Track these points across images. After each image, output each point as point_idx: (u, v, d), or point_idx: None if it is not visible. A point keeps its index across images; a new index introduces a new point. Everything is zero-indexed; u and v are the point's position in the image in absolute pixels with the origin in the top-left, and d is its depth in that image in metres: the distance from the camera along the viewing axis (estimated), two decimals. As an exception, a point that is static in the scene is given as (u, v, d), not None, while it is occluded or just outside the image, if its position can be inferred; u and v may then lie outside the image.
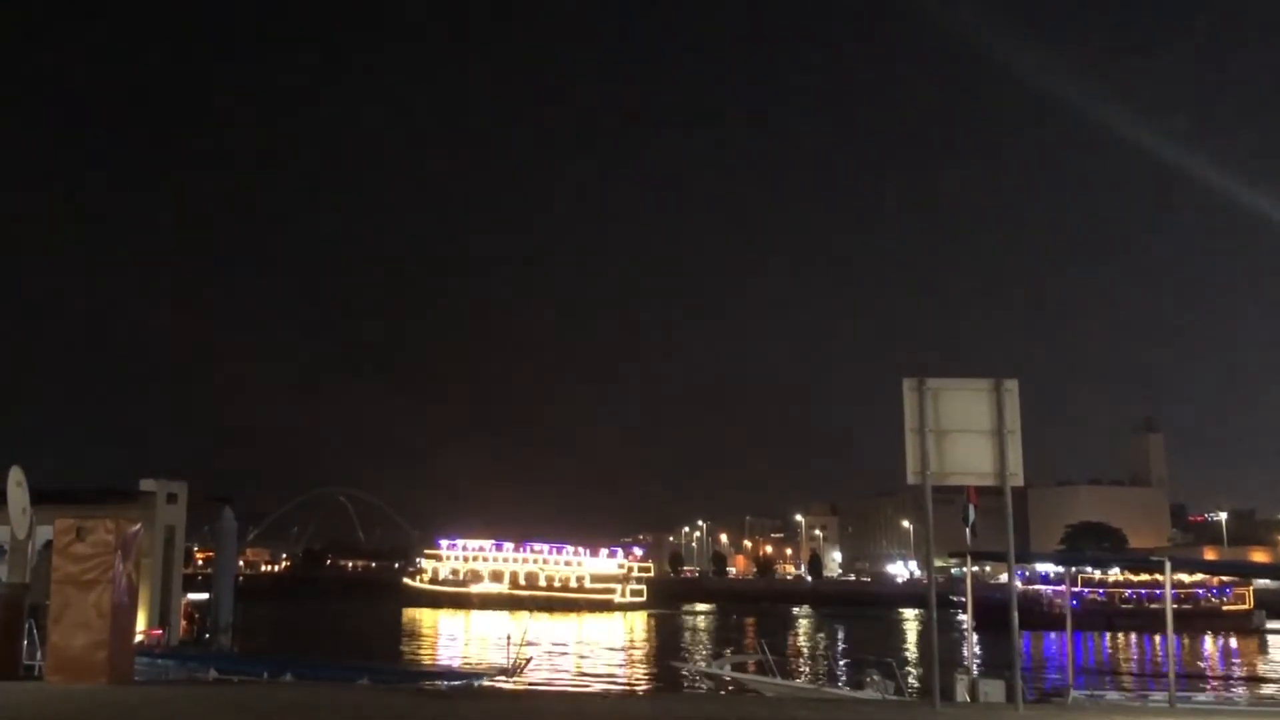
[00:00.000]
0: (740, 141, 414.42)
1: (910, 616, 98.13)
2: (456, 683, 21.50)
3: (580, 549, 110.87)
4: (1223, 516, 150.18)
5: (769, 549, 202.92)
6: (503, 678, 23.53)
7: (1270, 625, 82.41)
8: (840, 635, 73.36)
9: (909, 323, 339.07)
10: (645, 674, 46.14)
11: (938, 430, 13.72)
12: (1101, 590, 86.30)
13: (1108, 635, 70.45)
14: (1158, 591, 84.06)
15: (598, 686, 38.24)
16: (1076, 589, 73.87)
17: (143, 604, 21.66)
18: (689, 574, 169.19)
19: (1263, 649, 69.49)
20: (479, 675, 24.48)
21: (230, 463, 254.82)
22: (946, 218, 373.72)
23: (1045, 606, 72.64)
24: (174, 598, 26.04)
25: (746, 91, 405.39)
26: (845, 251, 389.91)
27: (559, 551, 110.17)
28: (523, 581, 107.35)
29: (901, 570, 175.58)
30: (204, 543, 63.96)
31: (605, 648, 60.67)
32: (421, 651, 58.14)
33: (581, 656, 53.31)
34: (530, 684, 27.74)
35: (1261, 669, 54.81)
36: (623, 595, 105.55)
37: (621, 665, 50.91)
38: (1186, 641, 66.17)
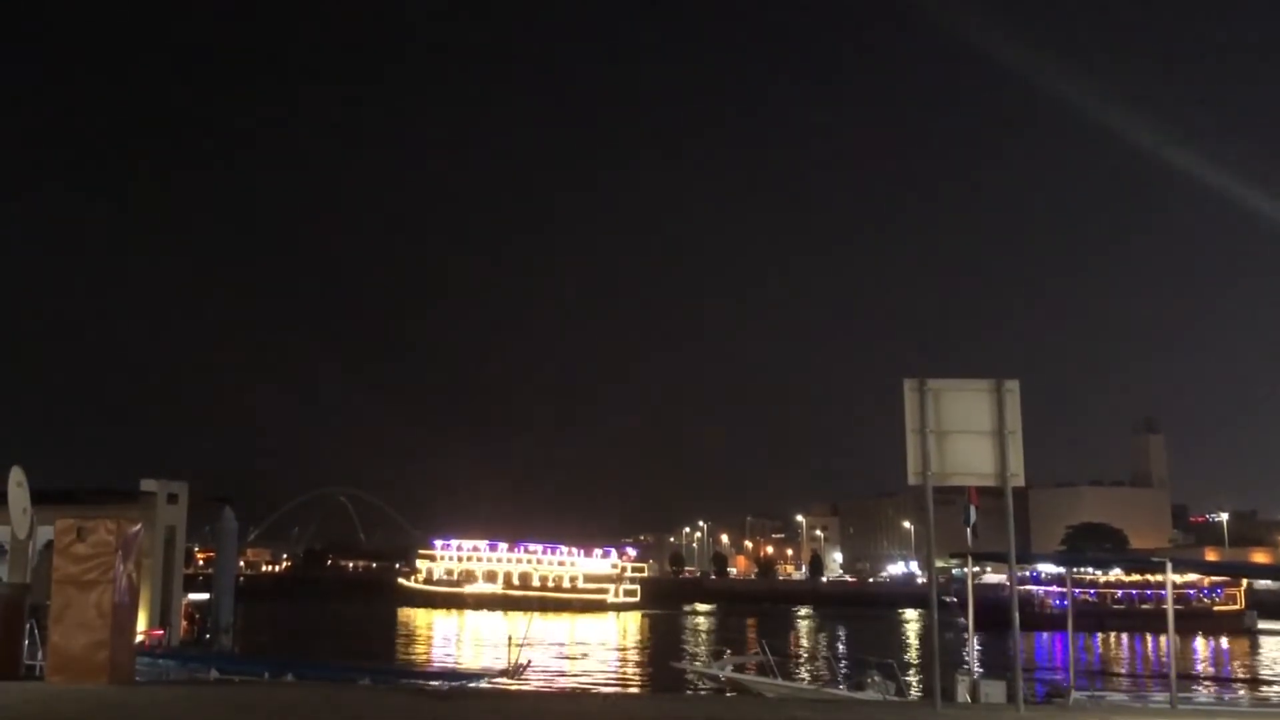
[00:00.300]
0: (740, 142, 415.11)
1: (912, 617, 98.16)
2: (457, 683, 21.49)
3: (573, 549, 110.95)
4: (1224, 517, 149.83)
5: (770, 549, 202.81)
6: (503, 678, 23.49)
7: (1262, 626, 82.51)
8: (841, 636, 73.40)
9: (909, 323, 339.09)
10: (645, 674, 46.12)
11: (939, 431, 13.69)
12: (1093, 591, 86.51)
13: (1099, 636, 70.53)
14: (1149, 592, 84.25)
15: (598, 687, 38.19)
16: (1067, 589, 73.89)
17: (143, 604, 21.70)
18: (690, 574, 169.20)
19: (1254, 649, 69.55)
20: (479, 675, 24.46)
21: (230, 463, 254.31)
22: (946, 218, 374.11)
23: (1036, 606, 72.71)
24: (175, 598, 26.11)
25: (746, 91, 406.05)
26: (845, 252, 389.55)
27: (552, 551, 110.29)
28: (516, 581, 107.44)
29: (899, 569, 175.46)
30: (204, 543, 63.87)
31: (601, 648, 60.69)
32: (417, 652, 58.17)
33: (576, 658, 53.21)
34: (530, 685, 27.69)
35: (1259, 669, 54.82)
36: (616, 595, 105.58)
37: (620, 666, 50.91)
38: (1178, 642, 66.13)
